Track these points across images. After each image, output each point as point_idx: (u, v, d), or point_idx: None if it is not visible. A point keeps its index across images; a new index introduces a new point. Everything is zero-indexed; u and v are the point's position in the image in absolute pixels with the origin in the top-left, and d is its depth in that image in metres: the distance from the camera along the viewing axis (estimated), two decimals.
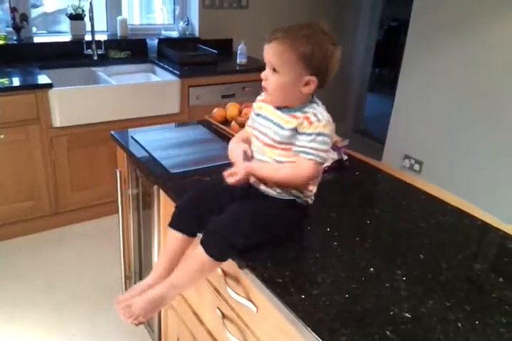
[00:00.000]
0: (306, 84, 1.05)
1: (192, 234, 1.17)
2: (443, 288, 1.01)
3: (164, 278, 1.15)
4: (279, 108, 1.11)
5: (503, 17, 2.62)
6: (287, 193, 1.13)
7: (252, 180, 1.15)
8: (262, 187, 1.14)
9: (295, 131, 1.06)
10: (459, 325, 0.90)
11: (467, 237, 1.26)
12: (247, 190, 1.15)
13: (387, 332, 0.86)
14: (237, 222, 1.05)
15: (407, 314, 0.91)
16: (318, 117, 1.06)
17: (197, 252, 1.05)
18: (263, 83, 1.09)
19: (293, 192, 1.13)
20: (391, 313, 0.91)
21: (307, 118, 1.06)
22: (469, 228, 1.30)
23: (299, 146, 1.06)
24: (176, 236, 1.18)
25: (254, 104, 1.20)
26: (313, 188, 1.16)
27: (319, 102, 1.11)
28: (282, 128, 1.08)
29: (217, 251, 1.03)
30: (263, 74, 1.08)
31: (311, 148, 1.05)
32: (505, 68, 2.65)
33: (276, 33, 1.04)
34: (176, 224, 1.18)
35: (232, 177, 1.10)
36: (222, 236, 1.03)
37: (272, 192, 1.13)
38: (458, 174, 2.97)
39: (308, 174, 1.06)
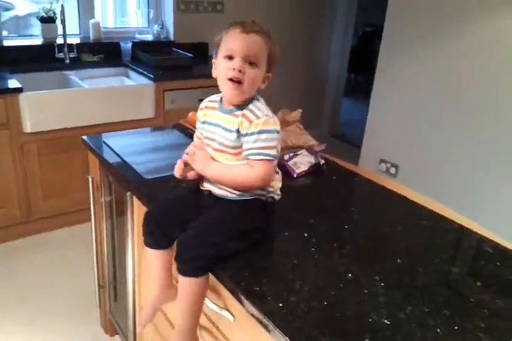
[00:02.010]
0: (264, 80, 1.07)
1: (166, 247, 1.15)
2: (421, 293, 1.00)
3: (164, 292, 1.19)
4: (222, 110, 1.09)
5: (477, 21, 2.66)
6: (248, 193, 1.09)
7: (205, 186, 1.13)
8: (219, 192, 1.10)
9: (239, 134, 1.03)
10: (438, 330, 0.89)
11: (444, 241, 1.26)
12: (210, 200, 1.12)
13: (366, 340, 0.85)
14: (203, 235, 1.02)
15: (386, 320, 0.90)
16: (257, 114, 1.02)
17: (180, 284, 1.04)
18: (237, 75, 1.01)
19: (254, 192, 1.09)
20: (370, 320, 0.90)
21: (245, 116, 1.03)
22: (446, 231, 1.30)
23: (246, 149, 1.03)
24: (154, 253, 1.17)
25: (198, 113, 1.16)
26: (274, 183, 1.12)
27: (260, 98, 1.08)
28: (230, 131, 1.05)
29: (194, 269, 1.01)
30: (238, 66, 1.01)
31: (258, 147, 1.01)
32: (479, 72, 2.69)
33: (252, 26, 1.03)
34: (148, 242, 1.17)
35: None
36: (192, 252, 1.00)
37: (231, 195, 1.09)
38: (433, 177, 3.00)
39: (262, 175, 1.02)
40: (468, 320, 0.92)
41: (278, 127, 1.04)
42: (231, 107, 1.07)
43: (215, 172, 1.08)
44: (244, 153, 1.04)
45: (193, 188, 1.20)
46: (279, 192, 1.15)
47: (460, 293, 1.03)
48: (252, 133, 1.01)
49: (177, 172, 1.13)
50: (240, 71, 1.02)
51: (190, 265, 1.01)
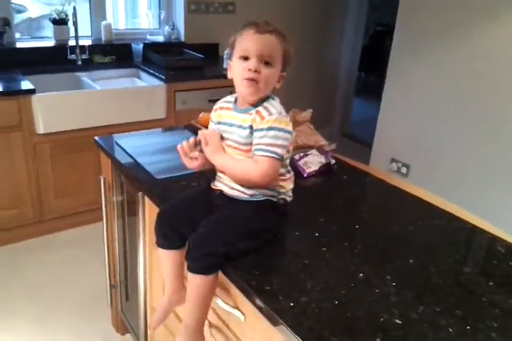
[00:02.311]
0: (279, 80, 1.08)
1: (178, 247, 1.15)
2: (433, 292, 0.99)
3: (176, 294, 1.20)
4: (236, 109, 1.10)
5: (485, 25, 2.64)
6: (259, 194, 1.09)
7: (217, 185, 1.14)
8: (231, 193, 1.11)
9: (251, 128, 1.04)
10: (450, 330, 0.88)
11: (456, 240, 1.25)
12: (221, 199, 1.13)
13: (378, 340, 0.84)
14: (214, 233, 1.03)
15: (397, 320, 0.90)
16: (270, 111, 1.03)
17: (189, 281, 1.04)
18: (253, 75, 1.02)
19: (265, 192, 1.09)
20: (381, 320, 0.90)
21: (259, 113, 1.03)
22: (458, 231, 1.29)
23: (254, 145, 1.03)
24: (166, 254, 1.18)
25: (212, 115, 1.17)
26: (286, 184, 1.12)
27: (276, 97, 1.09)
28: (244, 128, 1.05)
29: (204, 267, 1.01)
30: (254, 66, 1.02)
31: (264, 144, 1.01)
32: (491, 72, 2.67)
33: (266, 26, 1.04)
34: (161, 243, 1.17)
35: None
36: (202, 249, 1.01)
37: (243, 196, 1.09)
38: (444, 177, 2.98)
39: (263, 172, 1.01)
40: (480, 320, 0.92)
41: (289, 127, 1.04)
42: (246, 106, 1.08)
43: (222, 162, 1.09)
44: (252, 149, 1.04)
45: (204, 188, 1.20)
46: (290, 194, 1.15)
47: (472, 293, 1.02)
48: (262, 129, 1.02)
49: (184, 147, 1.13)
50: (255, 71, 1.02)
51: (200, 262, 1.01)
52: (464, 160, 2.88)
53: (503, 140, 2.66)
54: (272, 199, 1.11)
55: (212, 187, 1.16)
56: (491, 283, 1.05)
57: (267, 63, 1.03)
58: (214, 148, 1.09)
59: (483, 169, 2.78)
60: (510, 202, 2.65)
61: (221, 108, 1.15)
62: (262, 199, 1.09)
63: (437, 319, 0.91)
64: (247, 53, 1.03)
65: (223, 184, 1.13)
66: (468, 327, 0.89)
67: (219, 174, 1.15)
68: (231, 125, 1.09)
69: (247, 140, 1.05)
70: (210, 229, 1.04)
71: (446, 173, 2.98)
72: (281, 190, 1.12)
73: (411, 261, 1.10)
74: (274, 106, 1.05)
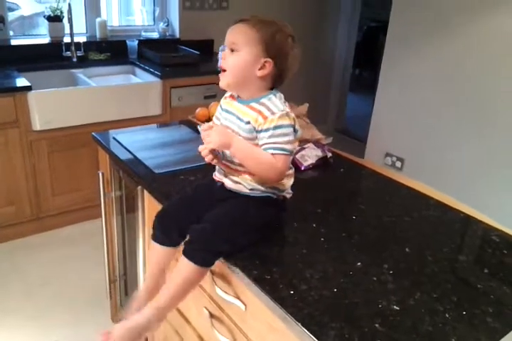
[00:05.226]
0: (262, 67, 1.03)
1: (174, 245, 1.16)
2: (429, 280, 1.02)
3: (152, 293, 1.15)
4: (239, 100, 1.10)
5: (482, 16, 2.67)
6: (260, 190, 1.10)
7: (218, 177, 1.13)
8: (233, 186, 1.11)
9: (252, 127, 1.04)
10: (447, 315, 0.91)
11: (451, 230, 1.28)
12: (222, 192, 1.13)
13: (377, 325, 0.87)
14: (218, 229, 1.03)
15: (395, 306, 0.92)
16: (272, 110, 1.02)
17: (180, 264, 1.02)
18: (221, 63, 1.06)
19: (266, 189, 1.10)
20: (379, 306, 0.92)
21: (260, 112, 1.03)
22: (453, 221, 1.31)
23: (262, 145, 1.03)
24: (158, 249, 1.17)
25: (222, 101, 1.17)
26: (287, 181, 1.13)
27: (278, 94, 1.08)
28: (241, 120, 1.06)
29: (201, 259, 1.02)
30: (222, 54, 1.06)
31: (273, 143, 1.02)
32: (484, 66, 2.69)
33: (244, 17, 1.06)
34: (157, 238, 1.17)
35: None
36: (205, 245, 1.01)
37: (244, 189, 1.10)
38: (439, 171, 3.01)
39: (280, 169, 1.03)
40: (475, 306, 0.94)
41: (294, 122, 1.04)
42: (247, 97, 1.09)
43: (241, 146, 1.04)
44: (262, 148, 1.03)
45: (205, 181, 1.22)
46: (290, 191, 1.16)
47: (468, 280, 1.04)
48: (267, 129, 1.02)
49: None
50: (224, 58, 1.05)
51: (199, 255, 1.01)
52: (457, 154, 2.91)
53: (497, 133, 2.69)
54: (272, 195, 1.12)
55: (214, 178, 1.17)
56: (485, 271, 1.08)
57: (232, 50, 1.04)
58: (225, 135, 1.05)
59: (476, 162, 2.81)
60: (502, 194, 2.69)
61: (231, 96, 1.15)
62: (263, 195, 1.11)
63: (434, 305, 0.93)
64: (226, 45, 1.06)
65: (224, 176, 1.14)
66: (464, 312, 0.92)
67: (221, 167, 1.15)
68: (232, 114, 1.10)
69: (247, 134, 1.05)
70: (214, 226, 1.04)
71: (441, 167, 3.01)
72: (281, 188, 1.13)
73: (407, 250, 1.13)
74: (276, 104, 1.04)
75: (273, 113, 1.02)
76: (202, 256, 1.02)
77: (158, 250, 1.18)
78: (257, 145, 1.05)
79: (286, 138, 1.02)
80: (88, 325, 2.09)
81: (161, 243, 1.17)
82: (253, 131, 1.04)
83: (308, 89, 4.24)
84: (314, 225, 1.20)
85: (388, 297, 0.94)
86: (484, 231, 1.27)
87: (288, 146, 1.03)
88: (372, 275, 1.01)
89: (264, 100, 1.05)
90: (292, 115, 1.05)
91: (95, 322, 2.11)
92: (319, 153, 1.59)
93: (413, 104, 3.15)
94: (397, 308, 0.91)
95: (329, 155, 1.62)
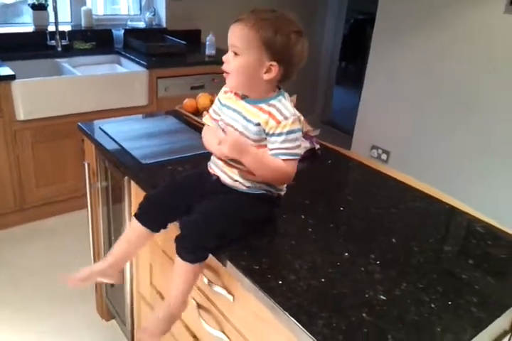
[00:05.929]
0: (268, 70, 1.01)
1: (155, 230, 1.16)
2: (415, 270, 1.03)
3: (112, 267, 1.18)
4: (246, 99, 1.07)
5: (470, 8, 2.68)
6: (257, 188, 1.10)
7: (214, 170, 1.13)
8: (231, 183, 1.10)
9: (262, 130, 1.03)
10: (433, 305, 0.92)
11: (437, 221, 1.29)
12: (216, 185, 1.12)
13: (364, 314, 0.88)
14: (209, 224, 1.02)
15: (382, 296, 0.93)
16: (285, 115, 1.01)
17: (176, 263, 1.05)
18: (224, 66, 1.04)
19: (263, 187, 1.10)
20: (366, 296, 0.93)
21: (272, 116, 1.01)
22: (438, 212, 1.33)
23: (272, 149, 1.02)
24: (138, 228, 1.15)
25: (221, 94, 1.14)
26: None
27: (286, 95, 1.07)
28: (250, 122, 1.04)
29: (194, 257, 1.03)
30: (224, 57, 1.03)
31: (286, 148, 1.02)
32: (471, 60, 2.72)
33: (242, 14, 1.02)
34: (141, 217, 1.15)
35: (221, 145, 1.02)
36: (196, 241, 1.01)
37: (241, 187, 1.10)
38: (424, 163, 3.04)
39: (291, 173, 1.04)
40: (460, 296, 0.96)
41: (302, 125, 1.04)
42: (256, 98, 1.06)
43: (253, 158, 1.02)
44: (272, 152, 1.03)
45: (196, 171, 1.21)
46: (285, 189, 1.16)
47: (453, 271, 1.06)
48: (280, 134, 1.01)
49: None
50: (227, 62, 1.03)
51: (191, 254, 1.02)
52: (442, 147, 2.94)
53: (481, 125, 2.72)
54: (267, 193, 1.12)
55: (209, 170, 1.16)
56: (470, 262, 1.09)
57: (235, 53, 1.01)
58: (240, 147, 1.01)
59: (461, 156, 2.85)
60: (486, 185, 2.73)
61: (235, 94, 1.11)
62: (259, 192, 1.10)
63: (420, 295, 0.95)
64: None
65: (221, 171, 1.12)
66: (449, 303, 0.93)
67: (215, 159, 1.14)
68: (237, 112, 1.07)
69: (255, 136, 1.04)
70: (205, 219, 1.03)
71: (426, 160, 3.04)
72: (278, 186, 1.13)
73: (394, 240, 1.14)
74: (287, 107, 1.03)
75: (286, 117, 1.01)
76: (194, 255, 1.03)
77: (136, 228, 1.15)
78: (263, 146, 1.04)
79: (297, 143, 1.03)
80: (74, 316, 2.08)
81: (142, 223, 1.14)
82: (262, 134, 1.03)
83: (296, 82, 4.21)
84: (303, 216, 1.21)
85: (375, 287, 0.95)
86: (469, 222, 1.29)
87: (298, 150, 1.04)
88: (359, 266, 1.02)
89: (274, 102, 1.04)
90: (302, 118, 1.04)
91: (81, 313, 2.10)
92: (307, 144, 1.59)
93: (399, 97, 3.17)
94: (384, 298, 0.92)
95: (317, 147, 1.62)
